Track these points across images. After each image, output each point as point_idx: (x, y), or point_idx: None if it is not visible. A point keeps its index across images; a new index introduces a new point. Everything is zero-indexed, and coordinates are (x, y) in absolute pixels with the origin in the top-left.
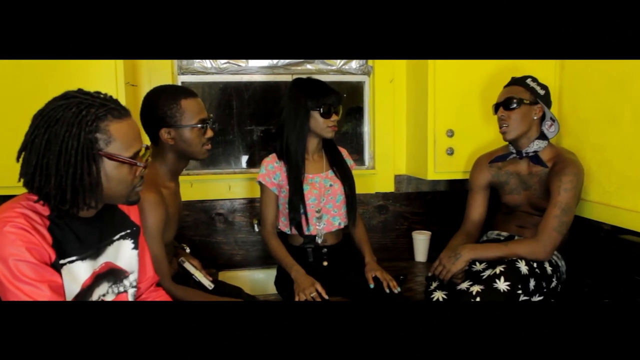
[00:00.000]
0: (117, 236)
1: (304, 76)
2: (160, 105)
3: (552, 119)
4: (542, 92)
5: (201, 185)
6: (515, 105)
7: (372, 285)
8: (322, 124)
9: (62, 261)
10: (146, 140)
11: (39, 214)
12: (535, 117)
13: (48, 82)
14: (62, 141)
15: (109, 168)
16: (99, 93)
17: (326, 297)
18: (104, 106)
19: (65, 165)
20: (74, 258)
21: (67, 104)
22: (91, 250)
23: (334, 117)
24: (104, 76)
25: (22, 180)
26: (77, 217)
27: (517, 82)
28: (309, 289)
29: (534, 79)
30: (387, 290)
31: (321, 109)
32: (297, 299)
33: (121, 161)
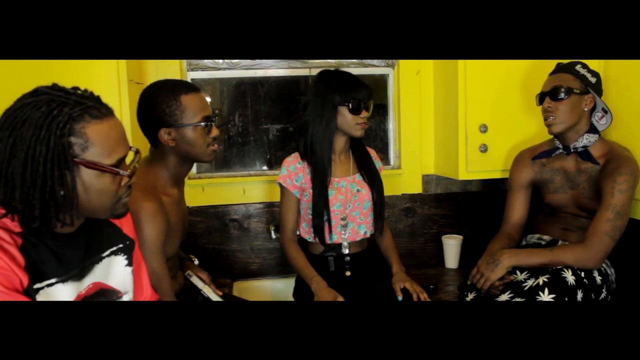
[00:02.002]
0: (107, 252)
1: (324, 69)
2: (158, 103)
3: (605, 110)
4: (593, 80)
5: (214, 190)
6: (563, 96)
7: (400, 298)
8: (350, 121)
9: (37, 285)
10: (138, 144)
11: (8, 231)
12: (585, 109)
13: (44, 79)
14: (28, 147)
15: (87, 178)
16: (76, 89)
17: None
18: (79, 104)
19: (32, 175)
20: (53, 280)
21: (36, 102)
22: (74, 270)
23: (364, 114)
24: (105, 73)
25: None
26: (56, 233)
27: (566, 68)
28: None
29: (584, 65)
30: None
31: (350, 104)
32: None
33: (101, 169)
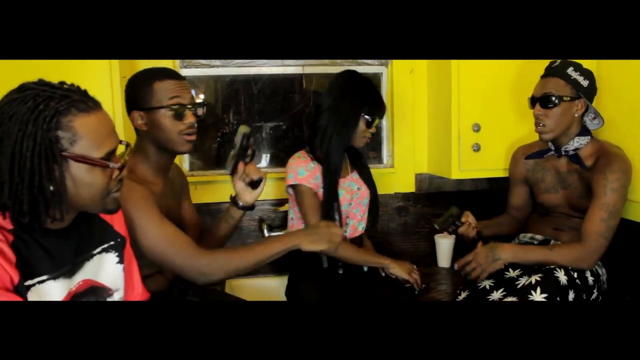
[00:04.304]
0: (99, 249)
1: (316, 68)
2: (133, 87)
3: (595, 114)
4: (585, 83)
5: (206, 188)
6: (553, 104)
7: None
8: (361, 132)
9: (28, 282)
10: (130, 139)
11: (0, 228)
12: (576, 114)
13: (33, 74)
14: (15, 142)
15: (77, 172)
16: (62, 83)
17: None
18: (66, 98)
19: (19, 171)
20: (44, 277)
21: (22, 97)
22: (65, 267)
23: (372, 129)
24: (97, 69)
25: None
26: (47, 229)
27: (557, 72)
28: (413, 270)
29: (576, 67)
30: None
31: (370, 118)
32: (406, 277)
33: (90, 163)
